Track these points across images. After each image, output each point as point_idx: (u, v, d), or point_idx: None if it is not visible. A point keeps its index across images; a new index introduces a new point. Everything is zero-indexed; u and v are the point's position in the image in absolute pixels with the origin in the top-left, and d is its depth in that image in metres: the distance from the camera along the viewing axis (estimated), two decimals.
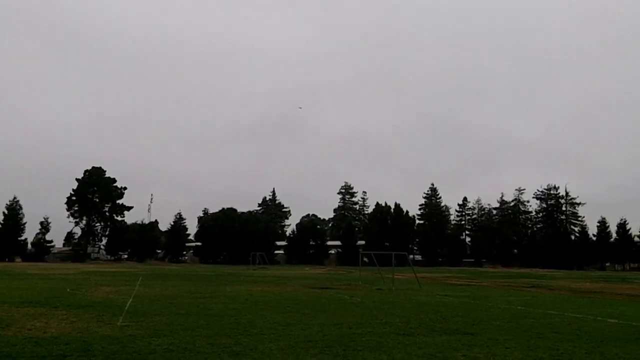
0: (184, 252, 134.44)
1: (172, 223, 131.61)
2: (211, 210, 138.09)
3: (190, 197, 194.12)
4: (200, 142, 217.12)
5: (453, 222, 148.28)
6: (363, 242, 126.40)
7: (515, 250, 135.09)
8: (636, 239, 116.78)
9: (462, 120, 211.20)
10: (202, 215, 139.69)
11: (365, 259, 79.52)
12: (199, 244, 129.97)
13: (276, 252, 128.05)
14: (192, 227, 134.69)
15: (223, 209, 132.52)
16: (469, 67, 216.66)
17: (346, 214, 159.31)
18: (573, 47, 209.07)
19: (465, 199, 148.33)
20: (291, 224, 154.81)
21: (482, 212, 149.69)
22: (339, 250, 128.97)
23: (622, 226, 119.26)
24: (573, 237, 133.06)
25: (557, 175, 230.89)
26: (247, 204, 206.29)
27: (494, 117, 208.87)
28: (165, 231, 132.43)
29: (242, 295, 26.56)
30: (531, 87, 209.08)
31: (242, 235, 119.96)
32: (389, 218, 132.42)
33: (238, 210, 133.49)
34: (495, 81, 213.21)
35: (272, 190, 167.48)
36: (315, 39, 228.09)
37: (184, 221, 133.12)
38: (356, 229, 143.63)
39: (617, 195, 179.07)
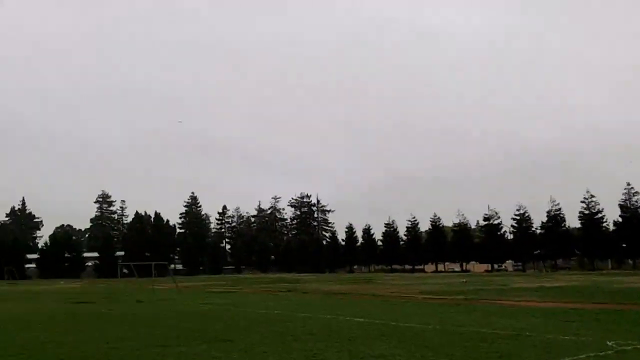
0: None
1: None
2: None
3: None
4: None
5: (214, 231, 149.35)
6: (122, 253, 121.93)
7: (273, 256, 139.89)
8: (379, 242, 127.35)
9: (210, 130, 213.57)
10: None
11: (125, 270, 76.56)
12: None
13: (27, 265, 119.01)
14: None
15: None
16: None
17: (104, 223, 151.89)
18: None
19: (224, 207, 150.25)
20: (44, 236, 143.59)
21: (241, 220, 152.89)
22: (97, 262, 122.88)
23: (367, 231, 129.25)
24: (325, 242, 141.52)
25: (309, 184, 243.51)
26: None
27: (247, 128, 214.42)
28: None
29: None
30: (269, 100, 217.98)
31: None
32: (149, 227, 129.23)
33: None
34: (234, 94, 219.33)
35: (21, 199, 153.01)
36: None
37: None
38: (115, 239, 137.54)
39: (363, 202, 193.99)
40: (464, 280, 48.47)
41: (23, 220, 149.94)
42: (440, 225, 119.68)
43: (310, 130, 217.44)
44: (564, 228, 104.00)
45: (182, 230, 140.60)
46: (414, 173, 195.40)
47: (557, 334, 14.38)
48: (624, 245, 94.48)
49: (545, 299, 28.10)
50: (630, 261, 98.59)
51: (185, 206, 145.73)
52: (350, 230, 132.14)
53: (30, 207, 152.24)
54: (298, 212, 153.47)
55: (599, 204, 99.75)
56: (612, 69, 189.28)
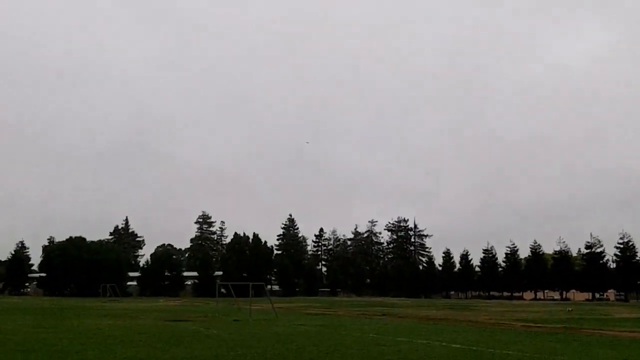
0: (27, 284, 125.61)
1: (13, 252, 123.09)
2: (57, 239, 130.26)
3: (34, 225, 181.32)
4: (44, 165, 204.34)
5: (310, 253, 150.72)
6: (221, 273, 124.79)
7: (368, 280, 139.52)
8: (477, 269, 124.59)
9: (318, 155, 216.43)
10: (47, 244, 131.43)
11: (222, 290, 78.61)
12: (43, 274, 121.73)
13: (129, 283, 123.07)
14: (35, 257, 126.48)
15: (70, 237, 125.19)
16: (325, 104, 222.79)
17: (203, 244, 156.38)
18: (417, 89, 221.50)
19: (321, 229, 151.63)
20: (145, 254, 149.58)
21: (338, 242, 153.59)
22: (196, 281, 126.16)
23: (464, 257, 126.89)
24: (421, 267, 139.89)
25: (407, 208, 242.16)
26: (98, 232, 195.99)
27: (347, 152, 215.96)
28: (5, 261, 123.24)
29: (90, 329, 25.29)
30: (382, 126, 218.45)
31: (91, 266, 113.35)
32: (247, 248, 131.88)
33: (87, 239, 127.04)
34: (349, 118, 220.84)
35: (125, 218, 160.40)
36: (171, 63, 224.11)
37: (27, 250, 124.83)
38: (213, 259, 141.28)
39: (460, 227, 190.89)
40: (570, 309, 46.57)
41: (126, 239, 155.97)
42: (541, 252, 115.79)
43: (407, 154, 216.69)
44: None
45: (279, 252, 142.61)
46: (514, 200, 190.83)
47: None
48: None
49: None
50: None
51: (282, 228, 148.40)
52: (447, 255, 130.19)
53: (133, 227, 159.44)
54: (395, 237, 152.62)
55: None
56: None
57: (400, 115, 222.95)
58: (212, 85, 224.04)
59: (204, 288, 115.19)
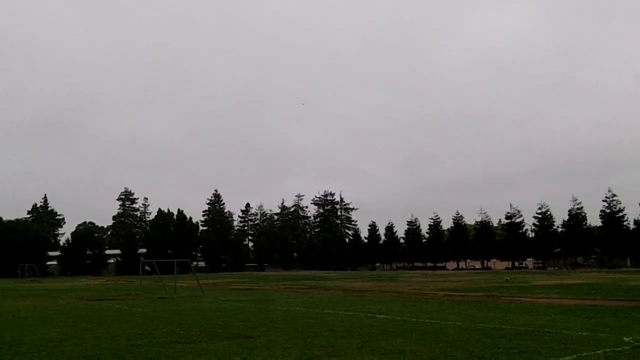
0: None
1: None
2: None
3: None
4: None
5: (236, 228, 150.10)
6: (145, 250, 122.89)
7: (296, 254, 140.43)
8: (401, 240, 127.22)
9: (243, 130, 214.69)
10: None
11: (147, 268, 77.12)
12: None
13: (49, 263, 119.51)
14: None
15: None
16: (253, 80, 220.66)
17: (126, 221, 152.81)
18: (346, 64, 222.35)
19: (248, 205, 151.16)
20: (66, 233, 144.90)
21: (264, 217, 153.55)
22: (119, 259, 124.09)
23: (389, 229, 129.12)
24: (347, 240, 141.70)
25: (333, 182, 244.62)
26: (14, 211, 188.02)
27: (275, 128, 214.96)
28: None
29: (9, 310, 24.42)
30: (310, 100, 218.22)
31: (8, 246, 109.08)
32: (171, 225, 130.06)
33: (3, 219, 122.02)
34: (276, 93, 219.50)
35: (43, 196, 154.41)
36: (97, 39, 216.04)
37: None
38: (137, 236, 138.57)
39: (385, 200, 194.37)
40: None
41: (45, 218, 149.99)
42: (463, 224, 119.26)
43: (334, 129, 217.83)
44: (585, 227, 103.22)
45: (205, 228, 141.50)
46: (437, 173, 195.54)
47: (575, 330, 14.45)
48: None
49: (564, 296, 28.03)
50: None
51: (208, 203, 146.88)
52: (373, 228, 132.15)
53: (53, 205, 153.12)
54: (321, 210, 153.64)
55: (620, 203, 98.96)
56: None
57: (329, 91, 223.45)
58: (137, 60, 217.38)
59: (128, 266, 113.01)
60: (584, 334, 13.78)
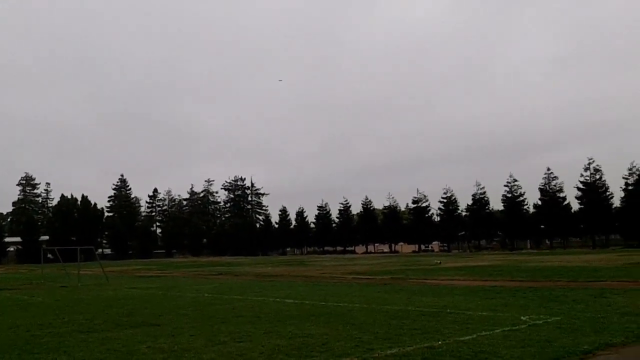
0: None
1: None
2: None
3: None
4: None
5: (144, 214, 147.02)
6: (47, 238, 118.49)
7: (205, 240, 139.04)
8: (312, 225, 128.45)
9: (153, 112, 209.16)
10: None
11: (49, 255, 74.46)
12: None
13: None
14: None
15: None
16: (159, 59, 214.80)
17: (27, 207, 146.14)
18: (262, 45, 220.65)
19: (155, 190, 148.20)
20: None
21: (173, 203, 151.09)
22: (19, 247, 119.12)
23: (300, 214, 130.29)
24: (258, 225, 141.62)
25: (243, 167, 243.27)
26: None
27: (184, 110, 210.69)
28: None
29: None
30: (221, 82, 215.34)
31: None
32: (75, 211, 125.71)
33: None
34: (187, 75, 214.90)
35: None
36: (8, 17, 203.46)
37: None
38: (39, 223, 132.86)
39: (296, 185, 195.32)
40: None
41: None
42: (371, 208, 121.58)
43: (243, 112, 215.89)
44: (488, 211, 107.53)
45: (111, 214, 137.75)
46: (348, 158, 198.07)
47: (476, 310, 15.02)
48: (542, 226, 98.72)
49: (467, 277, 29.09)
50: (547, 241, 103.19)
51: (114, 189, 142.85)
52: (284, 213, 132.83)
53: None
54: (232, 196, 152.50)
55: (521, 188, 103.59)
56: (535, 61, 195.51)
57: (242, 73, 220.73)
58: (41, 40, 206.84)
59: (29, 254, 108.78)
60: (484, 314, 14.34)
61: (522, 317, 13.29)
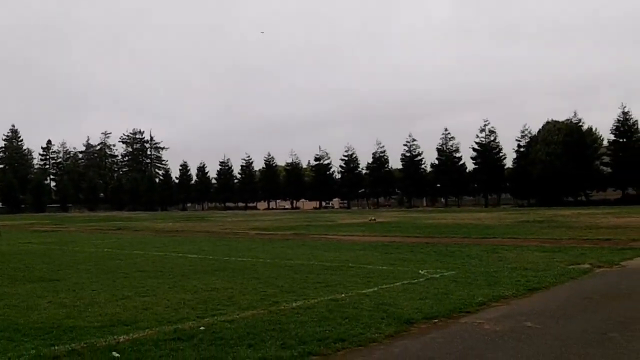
0: None
1: None
2: None
3: None
4: None
5: (37, 167, 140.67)
6: None
7: (102, 194, 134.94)
8: (213, 181, 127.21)
9: (46, 64, 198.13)
10: None
11: None
12: None
13: None
14: None
15: None
16: (54, 10, 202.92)
17: None
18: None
19: (49, 142, 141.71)
20: None
21: (68, 155, 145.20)
22: None
23: (201, 169, 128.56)
24: (157, 180, 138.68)
25: (143, 122, 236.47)
26: None
27: (80, 62, 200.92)
28: None
29: None
30: (118, 35, 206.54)
31: None
32: None
33: None
34: (83, 27, 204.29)
35: None
36: None
37: None
38: None
39: (198, 141, 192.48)
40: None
41: None
42: (274, 165, 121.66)
43: (147, 65, 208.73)
44: (387, 169, 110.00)
45: (1, 166, 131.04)
46: (250, 116, 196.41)
47: (376, 265, 15.60)
48: (439, 185, 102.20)
49: (367, 233, 29.95)
50: (442, 200, 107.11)
51: (4, 140, 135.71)
52: (184, 168, 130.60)
53: None
54: (130, 149, 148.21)
55: (419, 147, 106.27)
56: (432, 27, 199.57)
57: (146, 29, 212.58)
58: None
59: None
60: (385, 268, 14.92)
61: (420, 271, 13.92)
